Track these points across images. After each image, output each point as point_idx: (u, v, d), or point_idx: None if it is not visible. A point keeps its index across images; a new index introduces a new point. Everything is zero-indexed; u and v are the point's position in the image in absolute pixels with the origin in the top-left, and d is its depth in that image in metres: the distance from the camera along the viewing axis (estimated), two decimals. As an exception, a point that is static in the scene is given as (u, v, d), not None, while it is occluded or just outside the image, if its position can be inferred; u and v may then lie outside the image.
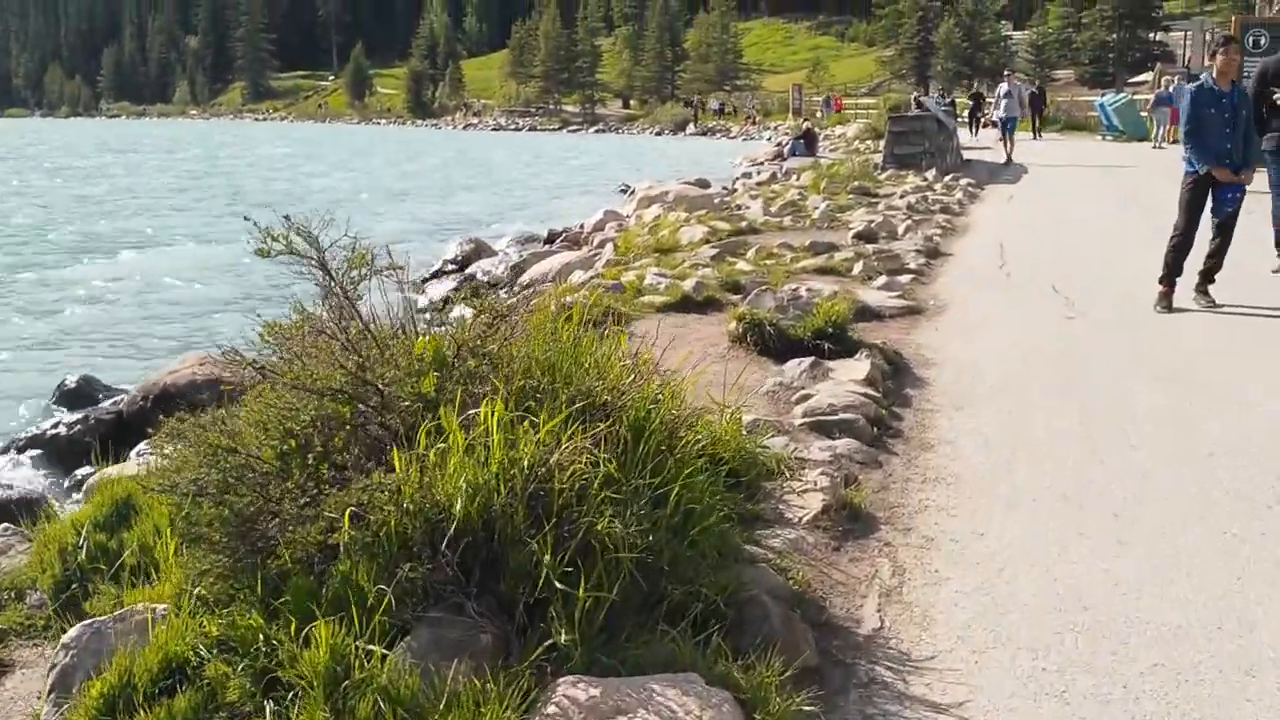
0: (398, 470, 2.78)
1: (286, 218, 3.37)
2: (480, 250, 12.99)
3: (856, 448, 4.71)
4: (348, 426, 3.12)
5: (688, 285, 7.80)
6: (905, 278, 8.99)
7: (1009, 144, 22.28)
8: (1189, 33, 39.73)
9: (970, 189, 16.16)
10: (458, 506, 2.71)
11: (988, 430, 5.12)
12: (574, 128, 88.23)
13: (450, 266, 12.67)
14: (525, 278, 11.00)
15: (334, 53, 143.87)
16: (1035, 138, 31.58)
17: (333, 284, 3.48)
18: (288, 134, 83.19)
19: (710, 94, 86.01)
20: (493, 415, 2.92)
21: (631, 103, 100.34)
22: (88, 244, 19.84)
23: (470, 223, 20.31)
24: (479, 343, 3.38)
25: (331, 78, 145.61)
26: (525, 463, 2.80)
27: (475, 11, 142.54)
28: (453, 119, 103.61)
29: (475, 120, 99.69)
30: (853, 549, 3.85)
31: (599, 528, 2.74)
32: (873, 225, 11.40)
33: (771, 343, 6.20)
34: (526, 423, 2.97)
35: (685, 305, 7.60)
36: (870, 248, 10.25)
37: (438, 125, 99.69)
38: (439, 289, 11.41)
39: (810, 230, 12.01)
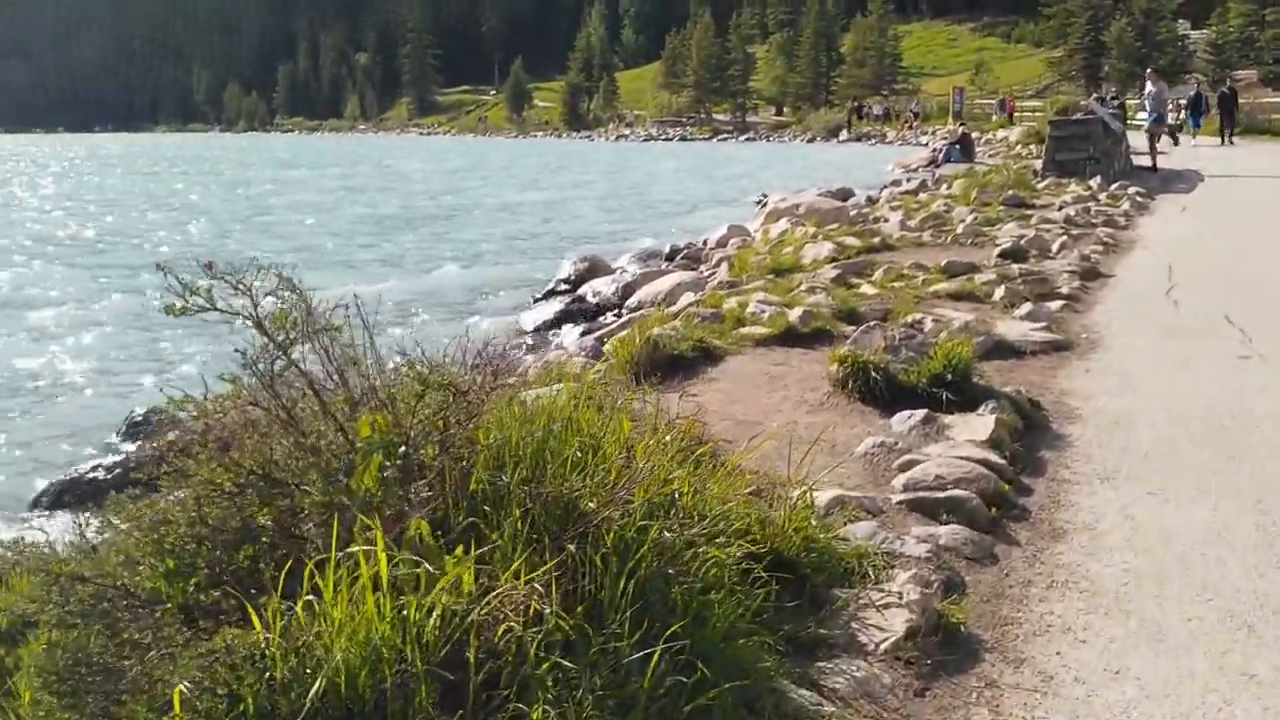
0: (256, 627, 2.01)
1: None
2: (595, 269, 12.29)
3: (966, 537, 3.74)
4: (257, 541, 2.39)
5: (794, 315, 6.88)
6: (1054, 304, 7.84)
7: (1156, 150, 20.39)
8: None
9: (1139, 199, 14.62)
10: (341, 678, 1.93)
11: (1138, 513, 4.06)
12: (724, 136, 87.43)
13: (563, 286, 12.02)
14: (635, 298, 10.24)
15: (496, 68, 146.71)
16: (1224, 142, 29.10)
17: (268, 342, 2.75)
18: (452, 148, 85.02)
19: (872, 98, 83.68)
20: (415, 534, 2.14)
21: (785, 109, 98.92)
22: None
23: (601, 236, 19.73)
24: (438, 424, 2.59)
25: (493, 92, 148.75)
26: (438, 615, 2.00)
27: (632, 24, 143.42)
28: (606, 130, 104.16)
29: (627, 131, 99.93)
30: (943, 692, 2.90)
31: (533, 718, 1.91)
32: (1022, 241, 10.20)
33: (879, 390, 5.24)
34: (460, 549, 2.17)
35: (789, 338, 6.68)
36: (1017, 268, 9.10)
37: (591, 137, 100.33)
38: (545, 311, 10.75)
39: (951, 247, 10.88)
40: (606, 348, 6.37)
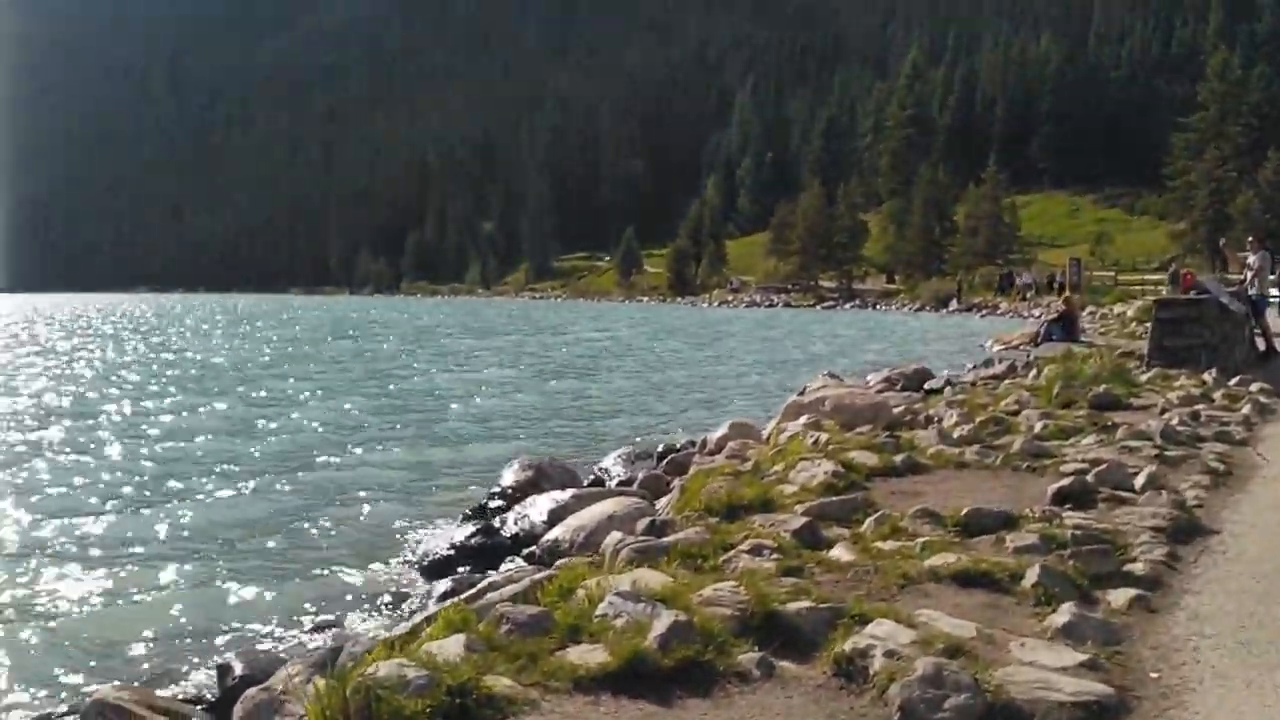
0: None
1: None
2: (541, 478, 9.68)
3: None
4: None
5: (658, 628, 4.16)
6: (1118, 598, 4.96)
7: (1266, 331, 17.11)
8: None
9: (1266, 401, 11.47)
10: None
11: None
12: (828, 303, 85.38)
13: (497, 502, 9.44)
14: (555, 532, 7.60)
15: (612, 235, 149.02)
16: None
17: None
18: (557, 311, 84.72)
19: (1020, 266, 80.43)
20: None
21: (896, 277, 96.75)
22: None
23: (619, 420, 17.23)
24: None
25: (607, 258, 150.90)
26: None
27: (748, 192, 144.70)
28: (710, 296, 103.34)
29: (730, 297, 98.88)
30: None
31: None
32: (1094, 473, 7.28)
33: None
34: None
35: (634, 677, 3.97)
36: (1073, 519, 6.20)
37: (694, 303, 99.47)
38: (453, 538, 8.13)
39: (998, 472, 8.02)
40: (312, 685, 3.73)
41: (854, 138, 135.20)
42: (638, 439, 13.17)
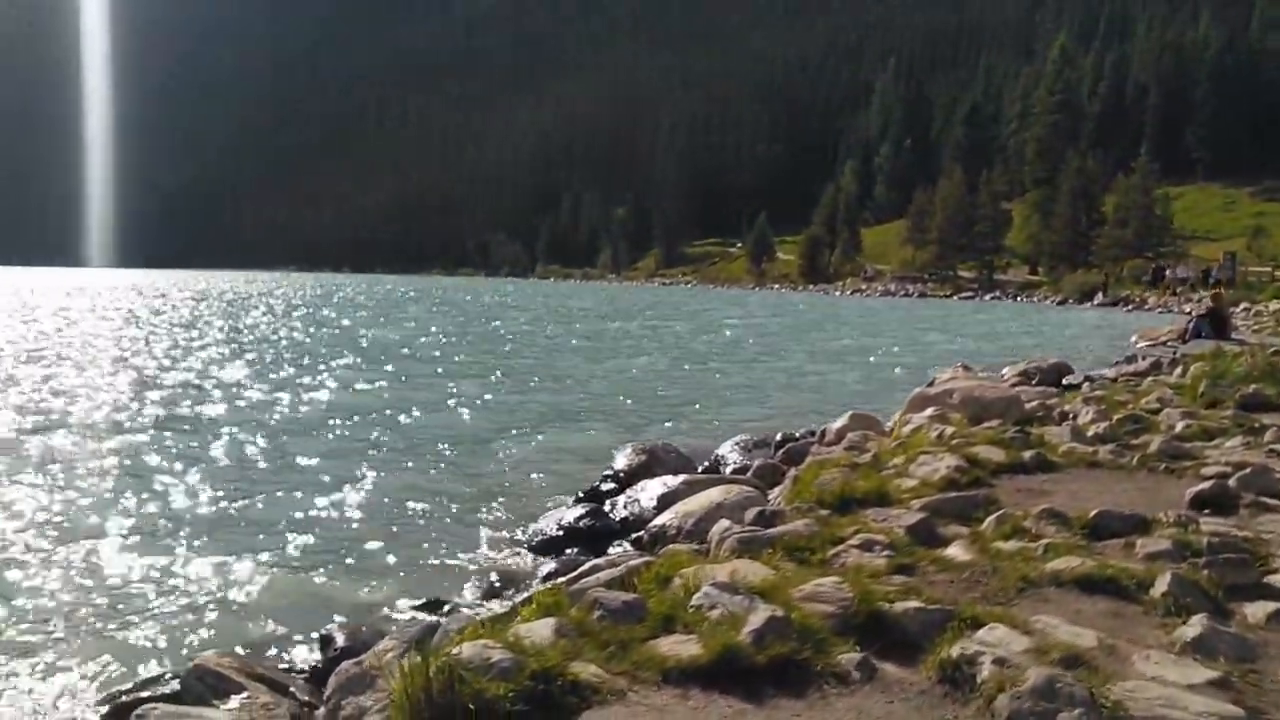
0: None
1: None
2: (654, 462, 9.58)
3: None
4: None
5: (752, 623, 4.02)
6: (1255, 611, 4.61)
7: None
8: None
9: None
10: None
11: None
12: (966, 294, 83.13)
13: (609, 484, 9.39)
14: (664, 517, 7.50)
15: (744, 221, 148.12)
16: None
17: None
18: (694, 298, 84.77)
19: (1167, 259, 77.16)
20: None
21: (1039, 269, 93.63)
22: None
23: (746, 407, 17.01)
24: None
25: (739, 244, 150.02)
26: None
27: (885, 179, 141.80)
28: (844, 284, 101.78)
29: (864, 286, 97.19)
30: None
31: None
32: (1235, 477, 6.82)
33: None
34: None
35: (727, 673, 3.84)
36: (1210, 526, 5.80)
37: (826, 291, 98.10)
38: (563, 520, 8.11)
39: (1133, 473, 7.59)
40: (385, 685, 3.74)
41: (998, 124, 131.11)
42: (760, 427, 12.94)
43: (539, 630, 4.03)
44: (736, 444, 11.17)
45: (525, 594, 5.89)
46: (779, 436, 11.33)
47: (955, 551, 5.50)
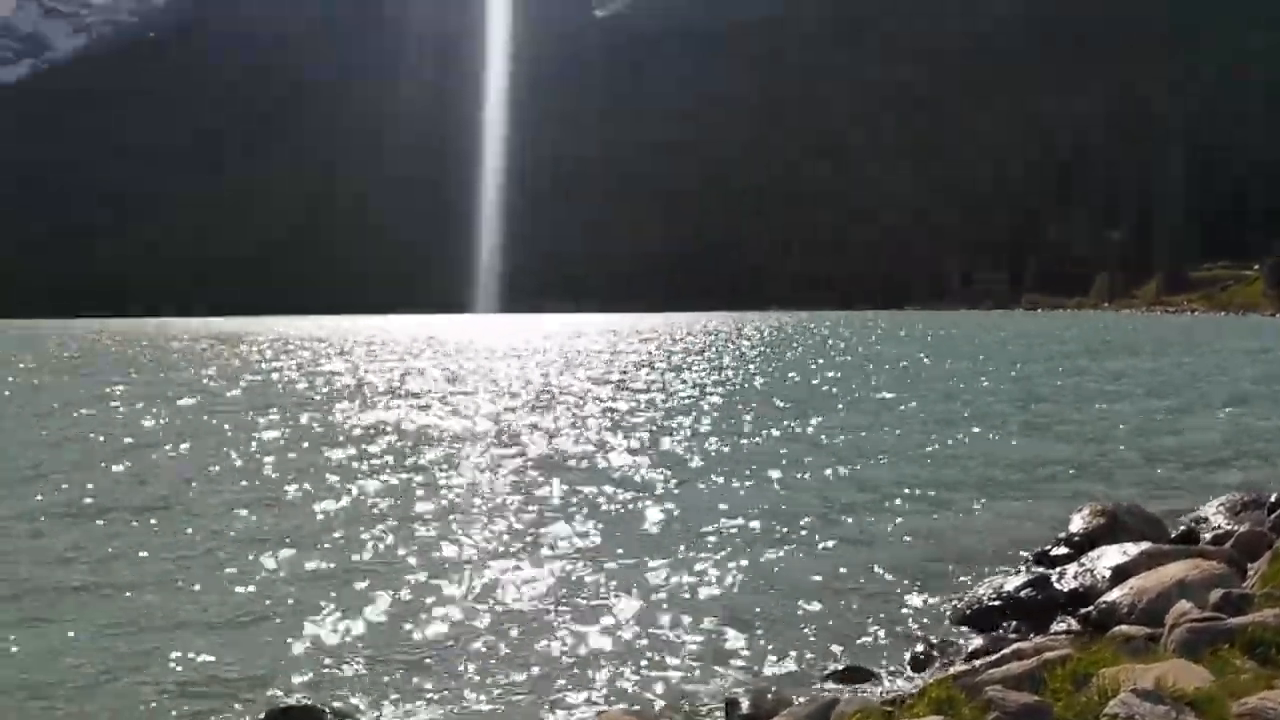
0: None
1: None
2: (1116, 526, 8.48)
3: None
4: None
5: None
6: None
7: None
8: None
9: None
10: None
11: None
12: None
13: (1061, 549, 8.47)
14: (1116, 593, 6.66)
15: (1262, 241, 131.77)
16: None
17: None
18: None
19: None
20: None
21: None
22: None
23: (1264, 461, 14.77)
24: None
25: (1255, 267, 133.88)
26: None
27: None
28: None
29: None
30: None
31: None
32: None
33: None
34: None
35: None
36: None
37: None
38: (1001, 587, 7.49)
39: None
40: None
41: None
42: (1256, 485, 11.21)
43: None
44: (1223, 505, 9.78)
45: (944, 672, 5.50)
46: (1274, 497, 9.69)
47: None
